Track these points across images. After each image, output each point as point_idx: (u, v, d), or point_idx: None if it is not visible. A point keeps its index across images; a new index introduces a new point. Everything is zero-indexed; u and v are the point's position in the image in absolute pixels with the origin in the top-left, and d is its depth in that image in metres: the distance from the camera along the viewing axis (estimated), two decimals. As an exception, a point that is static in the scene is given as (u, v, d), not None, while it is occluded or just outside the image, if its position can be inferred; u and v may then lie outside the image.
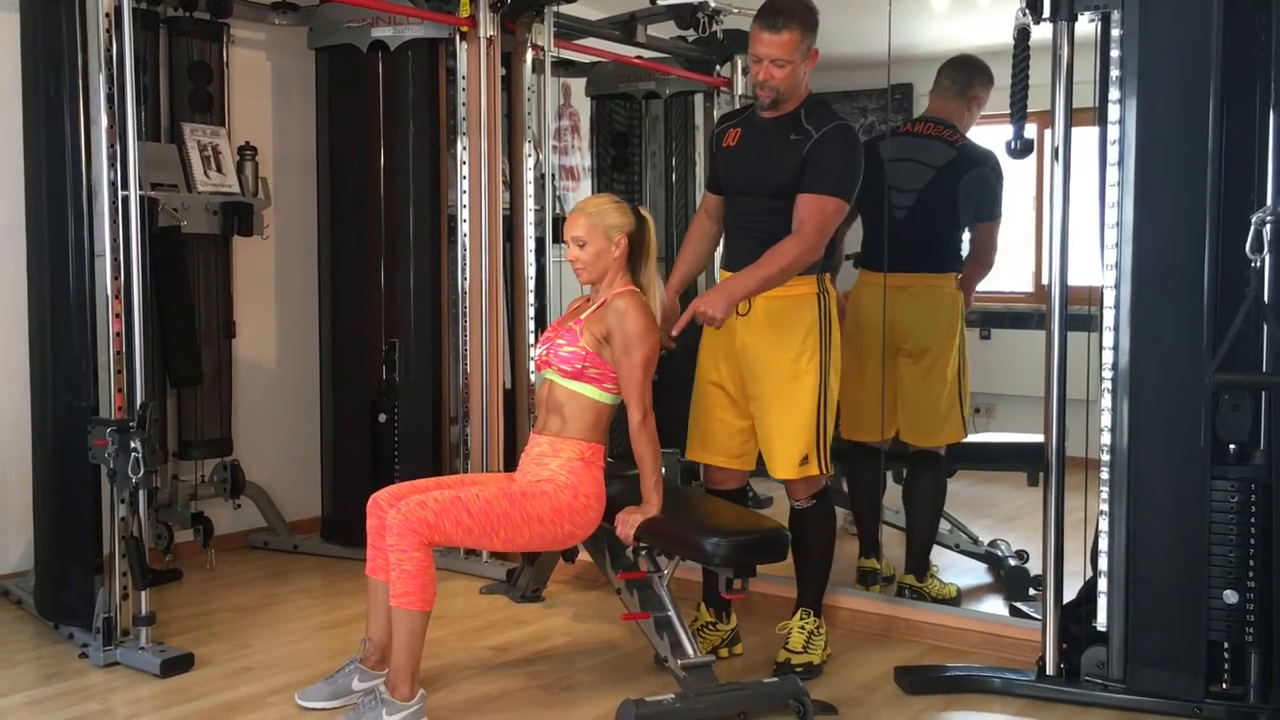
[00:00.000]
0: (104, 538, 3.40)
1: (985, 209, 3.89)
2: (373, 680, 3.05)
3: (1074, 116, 3.12)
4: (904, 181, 3.86)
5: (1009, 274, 4.58)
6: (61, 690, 3.20)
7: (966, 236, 3.97)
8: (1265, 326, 2.92)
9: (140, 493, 3.34)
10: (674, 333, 3.23)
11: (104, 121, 3.29)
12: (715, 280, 3.72)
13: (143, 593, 3.34)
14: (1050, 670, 3.18)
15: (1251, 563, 2.96)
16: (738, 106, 5.21)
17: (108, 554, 3.38)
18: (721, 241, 3.55)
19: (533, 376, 4.07)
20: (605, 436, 3.18)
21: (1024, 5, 3.08)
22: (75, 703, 3.11)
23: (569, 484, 3.07)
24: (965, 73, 3.93)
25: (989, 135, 3.86)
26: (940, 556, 4.12)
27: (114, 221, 3.31)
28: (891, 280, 3.83)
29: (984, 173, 3.86)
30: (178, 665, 3.31)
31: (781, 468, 3.33)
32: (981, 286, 4.02)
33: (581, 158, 5.86)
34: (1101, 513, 3.10)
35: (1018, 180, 4.08)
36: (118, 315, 3.33)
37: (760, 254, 3.27)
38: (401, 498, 3.01)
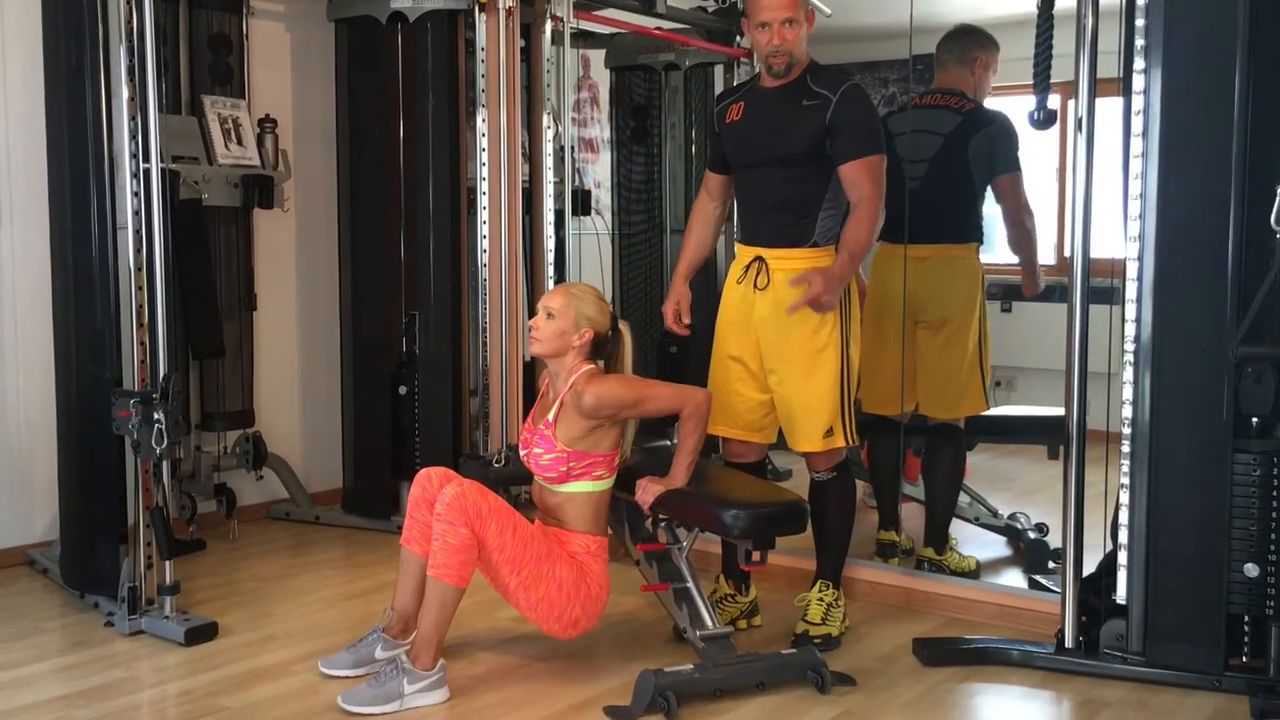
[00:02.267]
0: (128, 508, 3.44)
1: (1000, 162, 3.85)
2: (395, 649, 3.07)
3: (1098, 87, 3.09)
4: (916, 152, 3.85)
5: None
6: (88, 658, 3.24)
7: (988, 209, 3.94)
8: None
9: (164, 464, 3.36)
10: (789, 312, 3.22)
11: (125, 94, 3.31)
12: (724, 260, 3.70)
13: (167, 562, 3.37)
14: (1069, 643, 3.18)
15: (1273, 536, 2.95)
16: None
17: (132, 524, 3.42)
18: (735, 216, 3.55)
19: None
20: (606, 525, 3.17)
21: (1048, -26, 3.05)
22: (101, 670, 3.15)
23: (584, 573, 3.07)
24: (959, 41, 3.93)
25: (1012, 105, 3.84)
26: (960, 529, 4.11)
27: (135, 194, 3.33)
28: (911, 252, 3.81)
29: (991, 131, 3.85)
30: (202, 634, 3.34)
31: (805, 440, 3.32)
32: (1002, 259, 3.99)
33: (601, 130, 5.84)
34: (1122, 486, 3.09)
35: (1040, 151, 4.05)
36: (140, 287, 3.35)
37: (778, 224, 3.27)
38: (454, 478, 3.02)
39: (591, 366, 3.12)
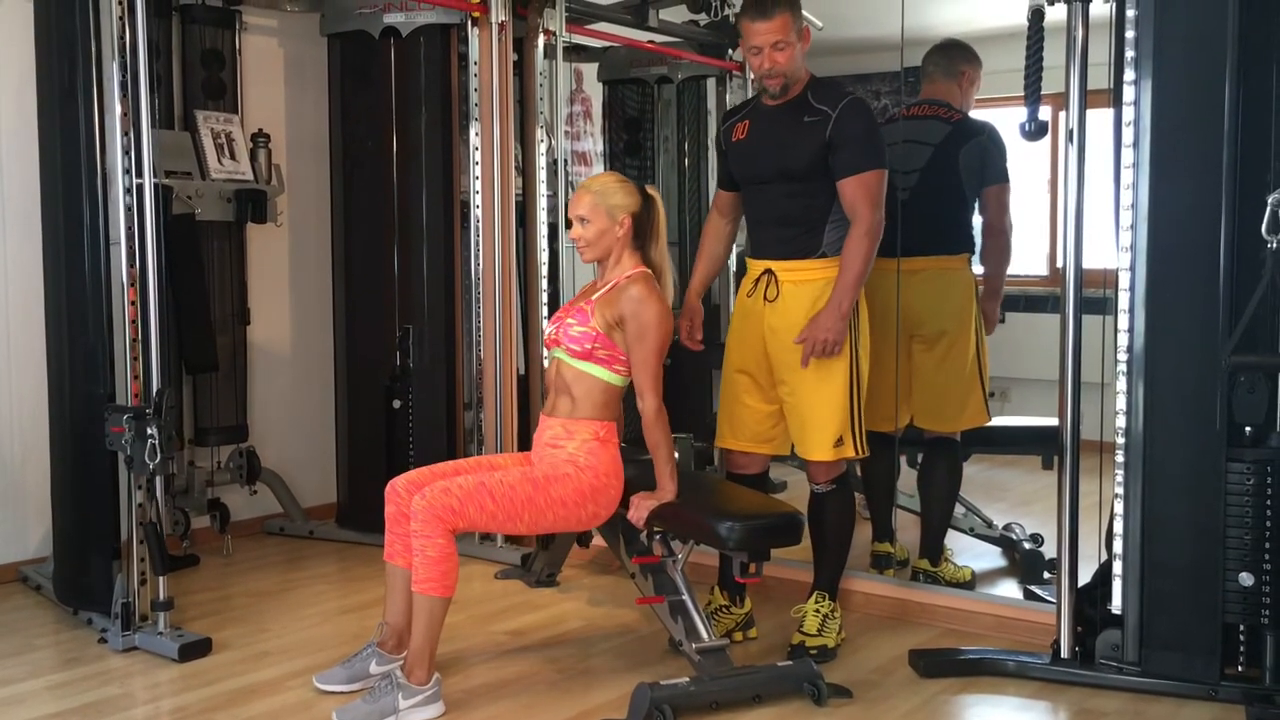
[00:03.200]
0: (122, 524, 3.43)
1: (990, 174, 3.86)
2: (390, 664, 3.06)
3: (1089, 98, 3.10)
4: (906, 163, 3.85)
5: (1024, 257, 4.55)
6: (81, 675, 3.23)
7: (978, 219, 3.95)
8: (1281, 308, 2.91)
9: (157, 479, 3.36)
10: (804, 365, 3.26)
11: (118, 109, 3.31)
12: (738, 272, 3.69)
13: (161, 578, 3.36)
14: (1065, 653, 3.18)
15: (1267, 545, 2.95)
16: (751, 91, 5.21)
17: (126, 540, 3.41)
18: (744, 232, 3.56)
19: (545, 360, 4.07)
20: (616, 414, 3.19)
21: (1038, -14, 3.07)
22: (95, 687, 3.14)
23: (589, 465, 3.08)
24: (946, 54, 3.96)
25: (1003, 117, 3.85)
26: (955, 540, 4.11)
27: (128, 209, 3.33)
28: (903, 265, 3.80)
29: (981, 142, 3.86)
30: (196, 650, 3.33)
31: (815, 450, 3.33)
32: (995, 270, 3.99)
33: (594, 143, 5.84)
34: (1116, 496, 3.10)
35: (1032, 163, 4.06)
36: (133, 303, 3.35)
37: (786, 237, 3.30)
38: (420, 484, 3.02)
39: (648, 271, 3.14)
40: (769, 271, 3.35)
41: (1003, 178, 3.87)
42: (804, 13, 3.35)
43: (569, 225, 3.20)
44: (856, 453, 3.34)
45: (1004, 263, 3.95)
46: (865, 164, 3.22)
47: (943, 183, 3.88)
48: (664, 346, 3.12)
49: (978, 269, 3.95)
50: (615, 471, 3.13)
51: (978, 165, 3.85)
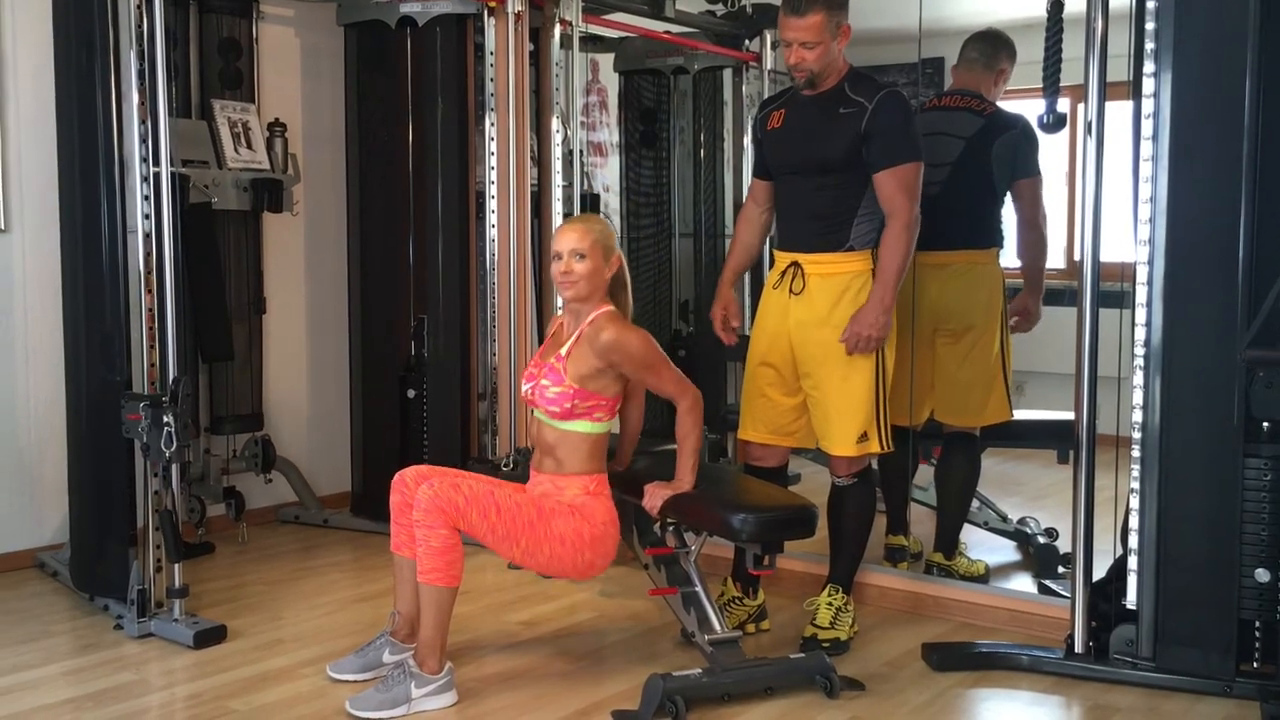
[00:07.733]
0: (138, 511, 3.45)
1: (1021, 167, 3.82)
2: (403, 653, 3.07)
3: (1108, 90, 3.08)
4: (935, 156, 3.78)
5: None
6: (97, 661, 3.25)
7: (1008, 211, 3.91)
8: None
9: (173, 467, 3.37)
10: (849, 352, 3.23)
11: (135, 98, 3.32)
12: (767, 267, 3.68)
13: (176, 565, 3.38)
14: (1079, 648, 3.17)
15: (1284, 541, 2.94)
16: (768, 82, 5.21)
17: (142, 527, 3.43)
18: (774, 224, 3.55)
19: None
20: (604, 462, 3.13)
21: (1058, -23, 3.05)
22: (110, 673, 3.16)
23: (588, 516, 3.05)
24: (992, 46, 3.89)
25: (1022, 109, 3.82)
26: (969, 534, 4.10)
27: (145, 198, 3.34)
28: (930, 259, 3.74)
29: (1014, 135, 3.80)
30: (211, 637, 3.35)
31: (839, 444, 3.32)
32: (1011, 263, 3.96)
33: (609, 134, 5.84)
34: (1132, 490, 3.09)
35: (1050, 155, 4.04)
36: (150, 291, 3.36)
37: (815, 230, 3.29)
38: (427, 478, 3.02)
39: (612, 308, 3.09)
40: (795, 264, 3.33)
41: (1035, 171, 3.84)
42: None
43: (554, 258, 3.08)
44: (882, 448, 3.33)
45: (1042, 256, 3.92)
46: (901, 156, 3.19)
47: (975, 176, 3.82)
48: (664, 359, 3.09)
49: (1009, 262, 3.91)
50: (612, 520, 3.09)
51: (1010, 158, 3.80)
